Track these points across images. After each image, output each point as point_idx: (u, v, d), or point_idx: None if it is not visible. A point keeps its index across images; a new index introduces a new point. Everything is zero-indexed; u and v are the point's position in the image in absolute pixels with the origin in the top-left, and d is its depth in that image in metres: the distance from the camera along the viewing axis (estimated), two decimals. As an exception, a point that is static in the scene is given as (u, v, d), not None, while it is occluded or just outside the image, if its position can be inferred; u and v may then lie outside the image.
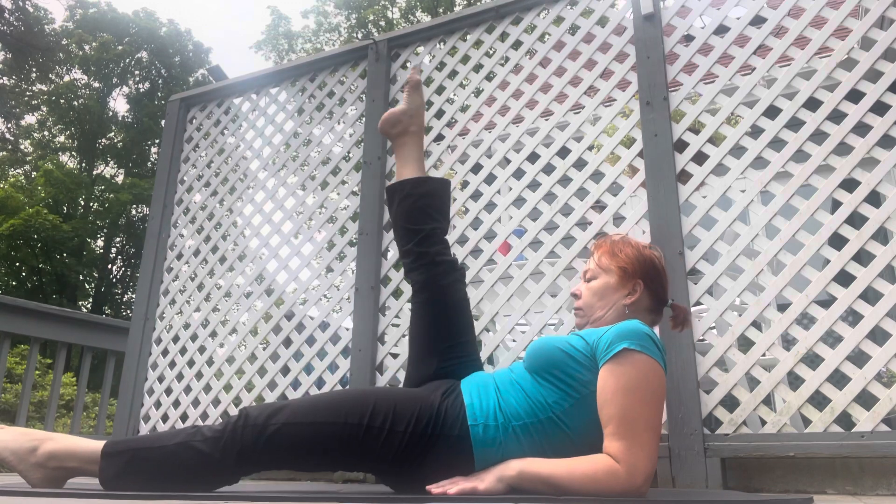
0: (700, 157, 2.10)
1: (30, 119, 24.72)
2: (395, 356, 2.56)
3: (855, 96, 1.92)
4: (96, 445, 1.37)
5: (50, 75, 23.76)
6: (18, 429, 1.42)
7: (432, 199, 1.67)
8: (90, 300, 23.23)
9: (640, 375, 1.24)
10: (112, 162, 25.37)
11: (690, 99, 2.24)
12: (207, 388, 2.79)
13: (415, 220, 1.64)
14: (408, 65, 2.94)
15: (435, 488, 1.25)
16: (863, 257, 1.77)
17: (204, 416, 2.74)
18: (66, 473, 1.39)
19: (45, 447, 1.38)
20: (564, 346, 1.34)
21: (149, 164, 24.97)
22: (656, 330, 1.52)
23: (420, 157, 1.76)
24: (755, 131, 2.05)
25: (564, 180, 2.30)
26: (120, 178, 24.71)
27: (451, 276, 1.63)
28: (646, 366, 1.25)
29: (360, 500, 1.14)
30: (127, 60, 25.13)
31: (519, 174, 2.42)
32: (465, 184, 2.65)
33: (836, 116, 1.94)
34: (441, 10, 21.41)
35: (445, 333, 1.58)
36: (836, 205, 1.90)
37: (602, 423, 1.24)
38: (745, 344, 1.97)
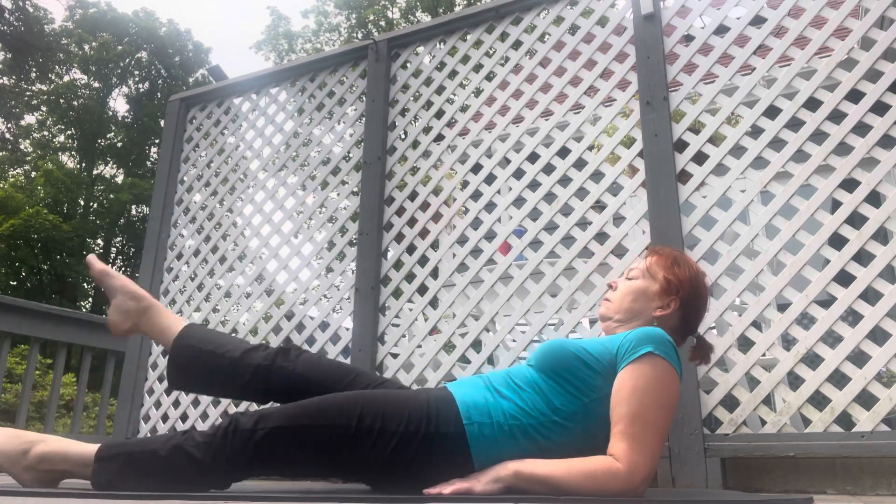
0: (700, 157, 2.10)
1: (30, 119, 24.75)
2: (395, 356, 2.56)
3: (855, 96, 1.92)
4: (89, 449, 1.36)
5: (50, 75, 23.76)
6: (10, 430, 1.42)
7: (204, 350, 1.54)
8: (90, 300, 23.23)
9: (659, 380, 1.25)
10: (112, 162, 25.37)
11: (690, 99, 2.24)
12: (207, 388, 2.79)
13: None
14: (408, 65, 2.94)
15: (430, 489, 1.25)
16: (863, 257, 1.77)
17: (204, 416, 2.74)
18: (57, 476, 1.39)
19: (37, 449, 1.37)
20: (579, 352, 1.34)
21: (149, 164, 24.98)
22: None
23: (167, 323, 1.61)
24: (755, 131, 2.05)
25: (564, 180, 2.30)
26: (120, 178, 24.72)
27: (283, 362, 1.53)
28: (666, 372, 1.26)
29: (360, 500, 1.14)
30: (127, 60, 25.14)
31: (519, 174, 2.41)
32: (465, 184, 2.65)
33: (836, 116, 1.94)
34: (441, 10, 21.41)
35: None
36: (836, 205, 1.90)
37: (612, 420, 1.24)
38: (745, 344, 1.96)
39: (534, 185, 2.33)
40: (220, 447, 1.30)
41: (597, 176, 2.26)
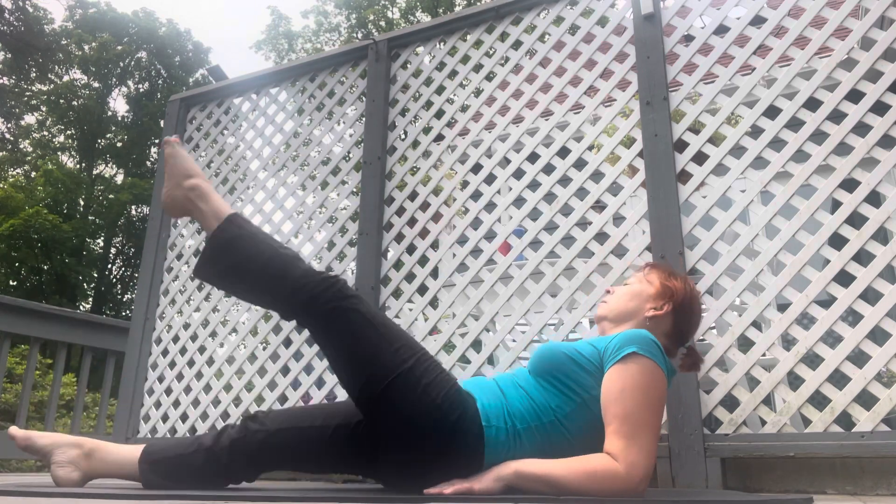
0: (700, 157, 2.10)
1: (30, 119, 24.73)
2: (395, 356, 2.55)
3: (855, 96, 1.92)
4: (133, 453, 1.46)
5: (49, 75, 23.75)
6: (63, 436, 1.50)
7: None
8: (90, 300, 23.23)
9: (645, 378, 1.27)
10: (112, 162, 25.36)
11: (690, 99, 2.24)
12: (207, 388, 2.79)
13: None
14: (408, 65, 2.94)
15: (431, 489, 1.26)
16: (863, 257, 1.77)
17: (204, 416, 2.74)
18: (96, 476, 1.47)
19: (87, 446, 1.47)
20: (570, 352, 1.37)
21: (149, 163, 24.96)
22: None
23: (216, 207, 1.59)
24: (755, 131, 2.05)
25: (564, 180, 2.30)
26: (120, 178, 24.71)
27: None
28: (651, 370, 1.28)
29: (360, 500, 1.14)
30: (126, 60, 25.13)
31: (519, 174, 2.42)
32: (465, 184, 2.65)
33: (836, 116, 1.94)
34: (441, 10, 21.40)
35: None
36: (836, 205, 1.90)
37: (605, 422, 1.26)
38: (745, 344, 1.97)
39: (534, 185, 2.33)
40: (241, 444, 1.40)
41: (597, 176, 2.27)
